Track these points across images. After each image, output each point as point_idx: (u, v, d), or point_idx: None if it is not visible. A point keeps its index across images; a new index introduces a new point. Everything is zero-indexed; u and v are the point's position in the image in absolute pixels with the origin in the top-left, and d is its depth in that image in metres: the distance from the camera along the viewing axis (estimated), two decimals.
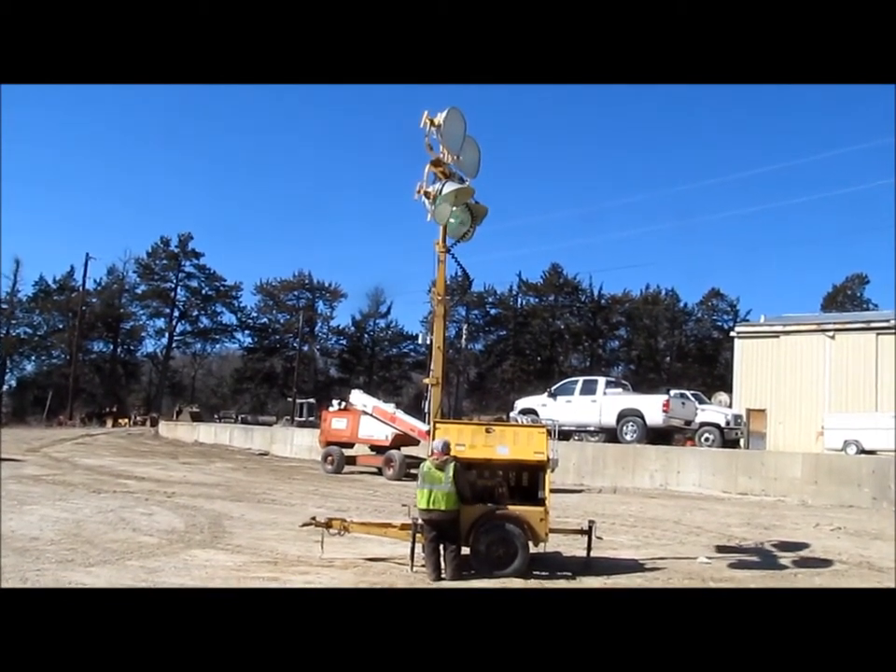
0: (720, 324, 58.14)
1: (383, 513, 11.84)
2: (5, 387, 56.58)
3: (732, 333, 30.54)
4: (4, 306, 56.22)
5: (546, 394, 22.13)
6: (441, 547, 7.41)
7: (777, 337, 27.62)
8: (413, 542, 7.69)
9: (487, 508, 7.61)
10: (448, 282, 9.22)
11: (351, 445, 22.16)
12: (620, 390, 21.92)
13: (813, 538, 10.94)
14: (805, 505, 15.30)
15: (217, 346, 66.95)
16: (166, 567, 7.39)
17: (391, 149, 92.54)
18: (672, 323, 59.37)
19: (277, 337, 64.58)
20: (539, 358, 59.70)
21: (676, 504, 14.93)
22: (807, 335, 27.00)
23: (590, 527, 8.26)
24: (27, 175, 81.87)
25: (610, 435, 20.34)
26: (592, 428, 20.96)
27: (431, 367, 8.59)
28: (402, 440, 20.34)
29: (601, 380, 21.86)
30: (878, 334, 25.34)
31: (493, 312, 62.11)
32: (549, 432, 8.40)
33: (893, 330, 24.72)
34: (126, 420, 49.48)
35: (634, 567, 8.31)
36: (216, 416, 49.04)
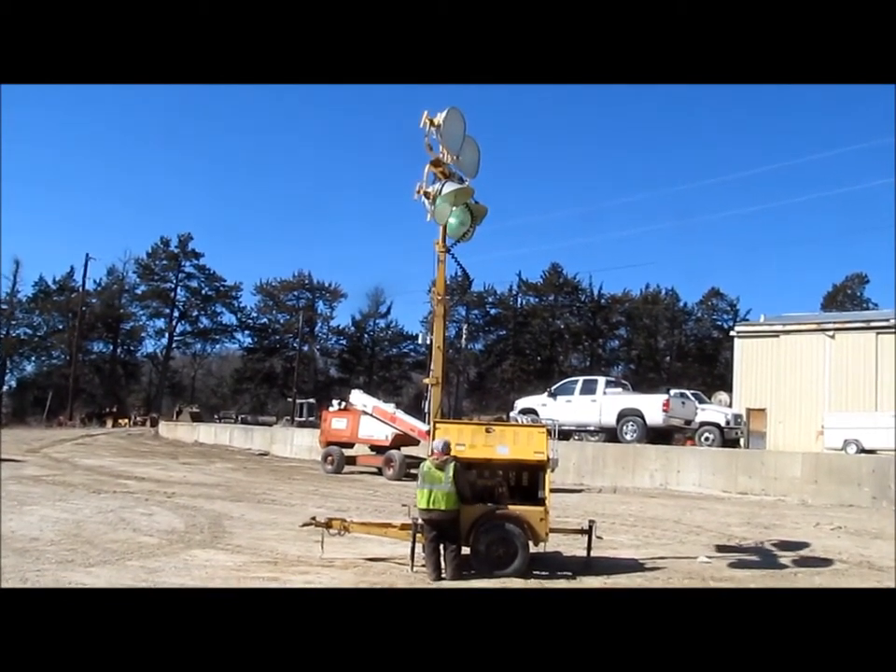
0: (719, 323, 58.17)
1: (383, 513, 11.85)
2: (5, 388, 56.64)
3: (732, 333, 30.55)
4: (4, 307, 56.24)
5: (546, 394, 22.13)
6: (442, 547, 7.41)
7: (777, 336, 27.63)
8: (414, 542, 7.69)
9: (487, 508, 7.61)
10: (448, 282, 9.23)
11: (351, 445, 22.17)
12: (620, 390, 21.93)
13: (813, 537, 10.95)
14: (804, 504, 15.31)
15: (217, 346, 67.07)
16: (166, 567, 7.39)
17: (391, 149, 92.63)
18: (672, 323, 59.39)
19: (277, 337, 64.58)
20: (538, 358, 59.70)
21: (676, 504, 14.93)
22: (807, 335, 27.01)
23: (590, 527, 8.26)
24: (27, 174, 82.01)
25: (610, 435, 20.34)
26: (592, 428, 20.96)
27: (431, 367, 8.59)
28: (402, 440, 20.35)
29: (601, 380, 21.86)
30: (878, 333, 25.35)
31: (493, 312, 62.14)
32: (549, 432, 8.40)
33: (893, 330, 24.74)
34: (126, 420, 49.46)
35: (634, 566, 8.31)
36: (216, 416, 49.02)
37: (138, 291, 62.37)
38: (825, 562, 8.92)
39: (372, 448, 21.52)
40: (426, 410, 9.22)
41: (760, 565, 8.66)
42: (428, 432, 8.94)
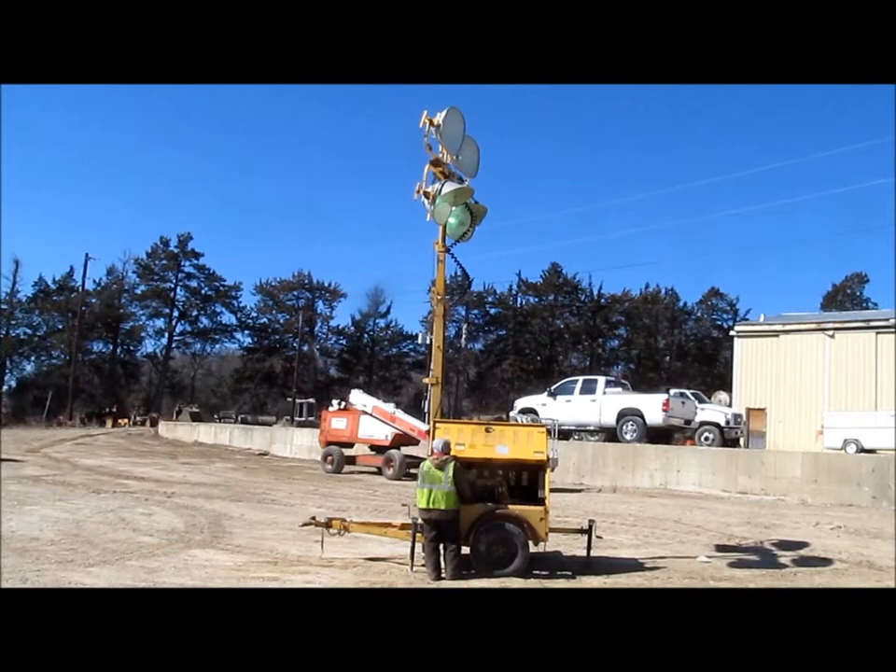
0: (719, 323, 58.14)
1: (383, 513, 11.85)
2: (4, 388, 56.58)
3: (731, 332, 30.55)
4: (3, 307, 56.14)
5: (546, 393, 22.14)
6: (441, 546, 7.41)
7: (777, 336, 27.64)
8: (413, 542, 7.69)
9: (487, 507, 7.61)
10: (448, 282, 9.23)
11: (351, 445, 22.18)
12: (619, 389, 21.93)
13: (813, 536, 10.95)
14: (804, 504, 15.32)
15: (217, 346, 66.98)
16: (166, 567, 7.39)
17: (391, 149, 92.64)
18: (672, 322, 59.38)
19: (277, 337, 64.55)
20: (538, 358, 59.71)
21: (676, 503, 14.94)
22: (807, 334, 27.03)
23: (590, 527, 8.27)
24: (27, 174, 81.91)
25: (610, 434, 20.34)
26: (591, 428, 20.96)
27: (431, 366, 8.59)
28: (402, 439, 20.36)
29: (601, 379, 21.86)
30: (878, 333, 25.36)
31: (492, 311, 62.09)
32: (549, 431, 8.41)
33: (893, 330, 24.75)
34: (126, 420, 49.47)
35: (634, 566, 8.31)
36: (215, 416, 48.97)
37: (138, 291, 62.35)
38: (825, 561, 8.92)
39: (372, 448, 21.53)
40: (425, 409, 9.23)
41: (760, 564, 8.66)
42: (428, 432, 8.94)
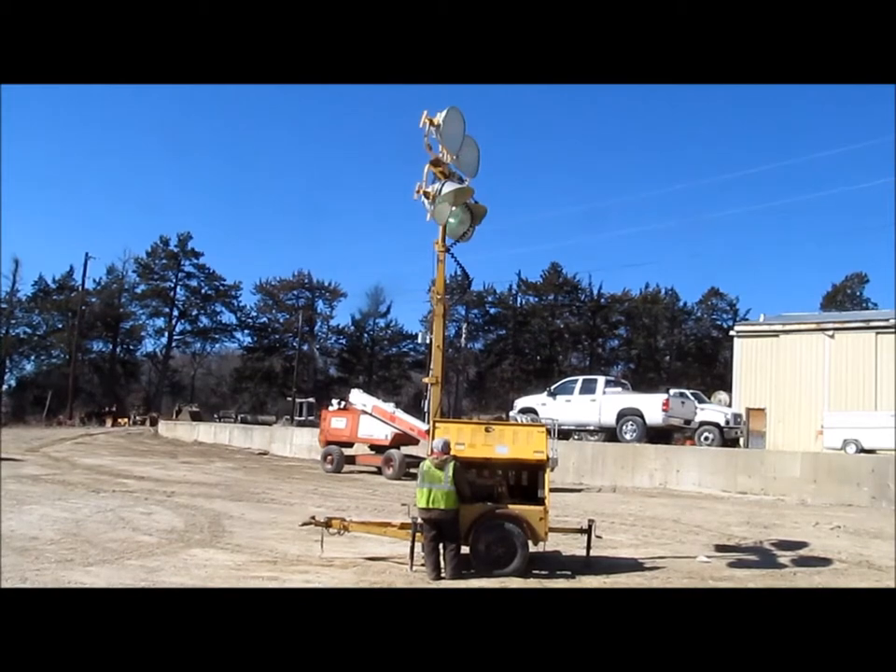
0: (719, 323, 58.14)
1: (382, 513, 11.85)
2: (4, 387, 56.60)
3: (731, 332, 30.56)
4: (3, 306, 56.13)
5: (546, 393, 22.14)
6: (441, 546, 7.42)
7: (777, 336, 27.64)
8: (413, 541, 7.70)
9: (487, 507, 7.61)
10: (447, 281, 9.23)
11: (351, 445, 22.18)
12: (619, 389, 21.93)
13: (812, 536, 10.95)
14: (804, 504, 15.32)
15: (217, 346, 66.99)
16: (166, 566, 7.39)
17: (390, 149, 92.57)
18: (672, 322, 59.37)
19: (277, 336, 64.55)
20: (538, 358, 59.71)
21: (675, 503, 14.94)
22: (807, 334, 27.03)
23: (589, 526, 8.27)
24: (27, 174, 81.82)
25: (610, 434, 20.34)
26: (591, 428, 20.96)
27: (431, 366, 8.59)
28: (402, 439, 20.36)
29: (601, 379, 21.86)
30: (878, 333, 25.37)
31: (492, 311, 62.09)
32: (548, 431, 8.41)
33: (893, 330, 24.75)
34: (125, 419, 49.45)
35: (633, 565, 8.31)
36: (215, 416, 48.96)
37: (138, 290, 62.35)
38: (824, 561, 8.93)
39: (372, 447, 21.53)
40: (425, 409, 9.25)
41: (759, 564, 8.66)
42: (428, 431, 8.95)
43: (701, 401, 23.28)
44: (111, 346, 61.64)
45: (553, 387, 22.44)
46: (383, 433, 20.81)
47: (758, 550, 9.71)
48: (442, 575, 7.29)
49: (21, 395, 55.98)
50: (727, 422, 21.52)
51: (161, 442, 34.33)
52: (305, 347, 60.54)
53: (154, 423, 44.85)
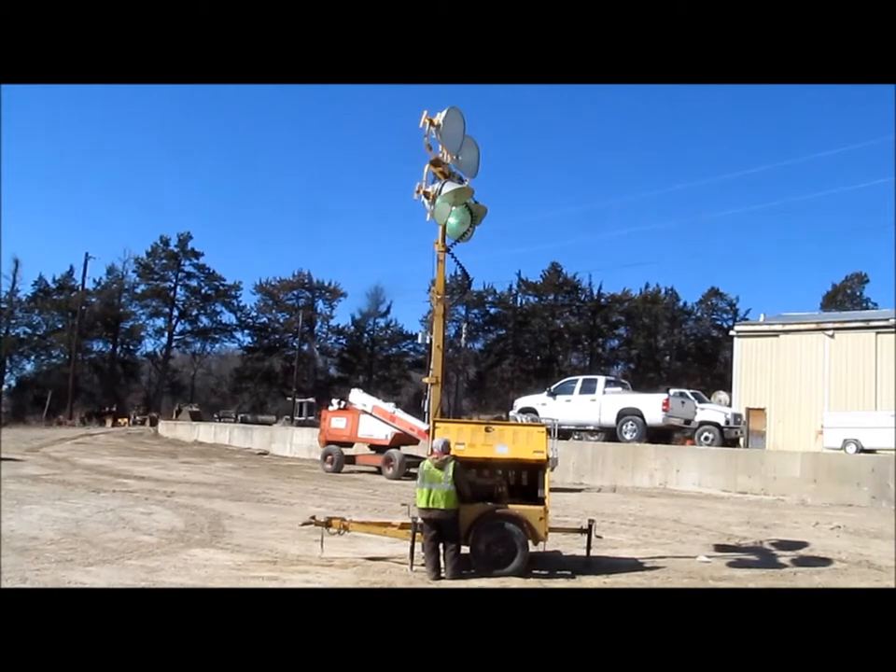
0: (719, 323, 58.16)
1: (382, 512, 11.85)
2: (4, 387, 56.60)
3: (731, 332, 30.56)
4: (3, 306, 56.13)
5: (546, 393, 22.15)
6: (441, 546, 7.42)
7: (777, 336, 27.64)
8: (413, 541, 7.70)
9: (487, 507, 7.61)
10: (447, 281, 9.23)
11: (351, 444, 22.18)
12: (619, 389, 21.94)
13: (812, 536, 10.96)
14: (804, 504, 15.32)
15: (217, 346, 66.98)
16: (166, 566, 7.39)
17: (390, 149, 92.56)
18: (672, 322, 59.37)
19: (277, 336, 64.55)
20: (538, 357, 59.71)
21: (675, 503, 14.94)
22: (807, 334, 27.03)
23: (589, 526, 8.27)
24: (27, 174, 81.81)
25: (610, 434, 20.35)
26: (591, 427, 20.96)
27: (431, 366, 8.59)
28: (402, 439, 20.36)
29: (601, 379, 21.87)
30: (878, 333, 25.37)
31: (492, 311, 62.10)
32: (548, 431, 8.41)
33: (893, 330, 24.75)
34: (125, 419, 49.45)
35: (633, 565, 8.31)
36: (215, 416, 48.97)
37: (138, 290, 62.34)
38: (824, 561, 8.93)
39: (372, 447, 21.54)
40: (425, 409, 9.25)
41: (759, 564, 8.66)
42: (428, 431, 8.95)
43: (701, 401, 23.28)
44: (111, 346, 61.66)
45: (552, 387, 22.45)
46: (383, 433, 20.81)
47: (758, 550, 9.71)
48: (442, 575, 7.29)
49: (21, 395, 55.99)
50: (727, 422, 21.53)
51: (161, 442, 34.33)
52: (305, 347, 60.56)
53: (154, 423, 44.84)
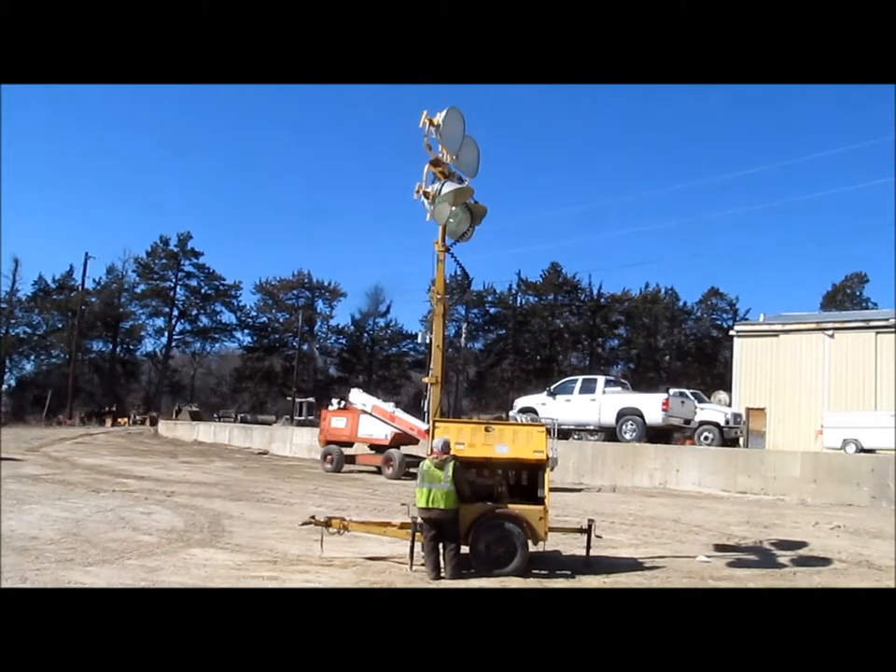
0: (719, 323, 58.16)
1: (382, 512, 11.85)
2: (4, 387, 56.59)
3: (731, 332, 30.56)
4: (3, 306, 56.13)
5: (545, 393, 22.14)
6: (441, 546, 7.42)
7: (777, 336, 27.65)
8: (413, 541, 7.70)
9: (487, 507, 7.61)
10: (447, 281, 9.23)
11: (350, 444, 22.19)
12: (619, 389, 21.94)
13: (812, 536, 10.96)
14: (804, 504, 15.32)
15: (217, 345, 66.97)
16: (166, 566, 7.39)
17: (390, 149, 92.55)
18: (671, 322, 59.37)
19: (277, 336, 64.54)
20: (538, 357, 59.70)
21: (675, 503, 14.95)
22: (807, 334, 27.04)
23: (589, 526, 8.27)
24: (27, 174, 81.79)
25: (610, 434, 20.35)
26: (591, 427, 20.97)
27: (431, 366, 8.60)
28: (402, 438, 20.36)
29: (600, 379, 21.88)
30: (878, 333, 25.38)
31: (492, 311, 62.10)
32: (548, 431, 8.41)
33: (893, 329, 24.76)
34: (125, 419, 49.45)
35: (633, 565, 8.31)
36: (215, 415, 48.95)
37: (138, 290, 62.34)
38: (824, 561, 8.93)
39: (372, 447, 21.54)
40: (425, 409, 9.25)
41: (759, 564, 8.67)
42: (428, 431, 8.95)
43: (701, 401, 23.29)
44: (111, 346, 61.65)
45: (552, 387, 22.44)
46: (383, 433, 20.82)
47: (758, 550, 9.71)
48: (442, 575, 7.29)
49: (21, 395, 55.98)
50: (727, 422, 21.53)
51: (161, 442, 34.33)
52: (305, 347, 60.55)
53: (154, 422, 44.85)
